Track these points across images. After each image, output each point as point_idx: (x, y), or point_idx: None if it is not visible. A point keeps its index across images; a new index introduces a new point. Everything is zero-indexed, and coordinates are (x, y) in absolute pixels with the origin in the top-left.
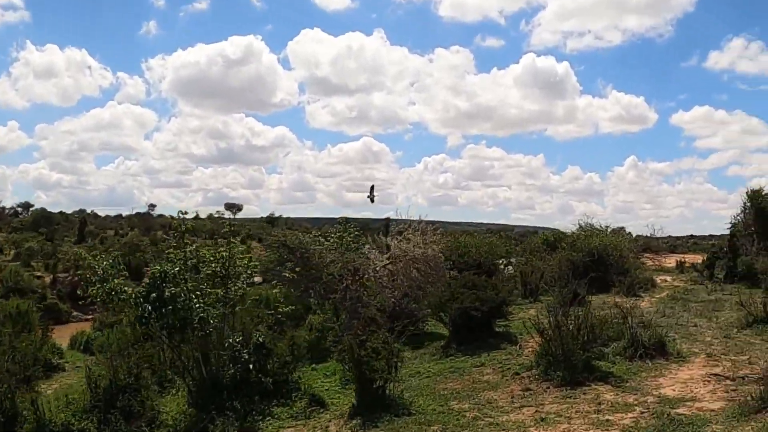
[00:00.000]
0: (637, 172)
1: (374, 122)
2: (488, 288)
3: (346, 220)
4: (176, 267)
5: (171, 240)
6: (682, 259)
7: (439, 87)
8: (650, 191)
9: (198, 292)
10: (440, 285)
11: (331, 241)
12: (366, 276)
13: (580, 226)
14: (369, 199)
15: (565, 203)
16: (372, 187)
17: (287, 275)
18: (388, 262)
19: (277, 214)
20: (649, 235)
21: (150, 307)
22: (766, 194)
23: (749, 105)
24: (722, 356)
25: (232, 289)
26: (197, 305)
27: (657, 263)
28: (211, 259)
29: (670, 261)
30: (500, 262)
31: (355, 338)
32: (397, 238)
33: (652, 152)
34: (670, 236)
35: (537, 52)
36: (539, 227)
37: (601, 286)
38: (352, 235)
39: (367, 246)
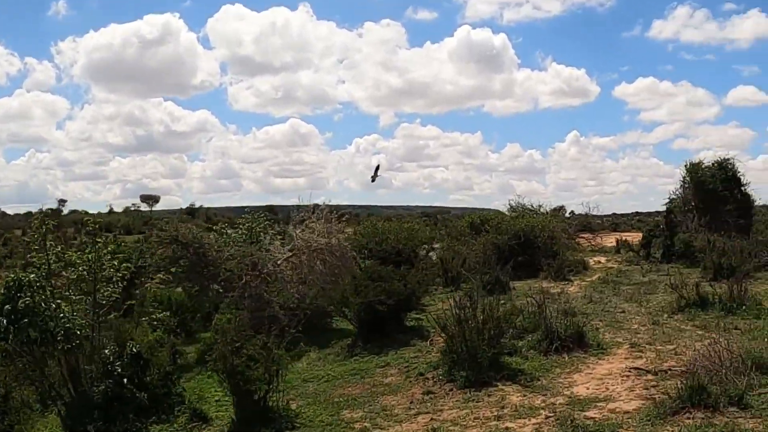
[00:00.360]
0: (580, 147)
1: (301, 102)
2: (396, 279)
3: (271, 208)
4: (31, 274)
5: (32, 242)
6: (622, 238)
7: (370, 63)
8: (593, 167)
9: (59, 300)
10: (348, 277)
11: (240, 232)
12: (265, 271)
13: (511, 207)
14: (370, 179)
15: (505, 182)
16: (377, 168)
17: (177, 272)
18: (290, 254)
19: (199, 205)
20: (585, 213)
21: (5, 321)
22: (705, 167)
23: (695, 75)
24: (647, 346)
25: (105, 294)
26: (62, 315)
27: (594, 243)
28: (78, 261)
29: (611, 240)
30: (424, 248)
31: (229, 345)
32: (299, 227)
33: (595, 127)
34: (614, 214)
35: (472, 24)
36: (479, 209)
37: (529, 271)
38: (261, 225)
39: (268, 237)
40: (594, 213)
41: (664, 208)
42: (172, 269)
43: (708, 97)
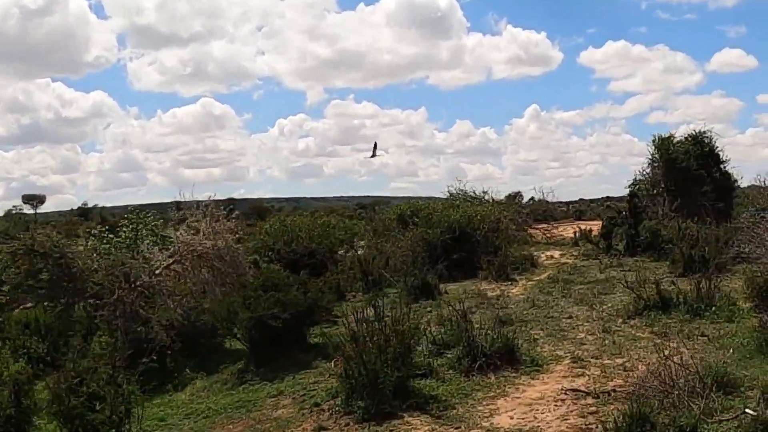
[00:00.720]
0: (540, 123)
1: (214, 79)
2: (294, 287)
3: (178, 205)
4: None
5: None
6: (586, 228)
7: (294, 31)
8: (557, 146)
9: None
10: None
11: (124, 236)
12: (139, 283)
13: (450, 195)
14: (370, 157)
15: (454, 166)
16: (375, 145)
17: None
18: (171, 260)
19: (94, 204)
20: (542, 200)
21: None
22: (678, 142)
23: (673, 38)
24: (593, 360)
25: None
26: None
27: (550, 235)
28: None
29: (572, 230)
30: (346, 247)
31: (65, 381)
32: (180, 228)
33: (558, 99)
34: (581, 199)
35: None
36: (425, 197)
37: (467, 270)
38: (149, 227)
39: (146, 242)
40: (551, 199)
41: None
42: (28, 284)
43: (688, 63)
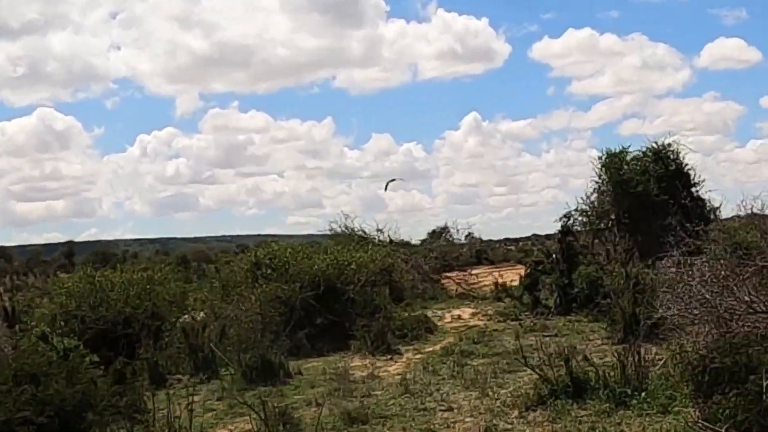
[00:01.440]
0: (482, 137)
1: (55, 82)
2: (60, 375)
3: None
4: None
5: None
6: (503, 277)
7: (159, 18)
8: (504, 167)
9: None
10: None
11: None
12: None
13: (334, 233)
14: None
15: (371, 194)
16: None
17: None
18: None
19: None
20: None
21: None
22: (633, 159)
23: (652, 25)
24: None
25: None
26: None
27: (467, 286)
28: None
29: (508, 276)
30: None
31: None
32: None
33: (505, 105)
34: (534, 235)
35: None
36: (334, 236)
37: (340, 339)
38: None
39: None
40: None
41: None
42: None
43: (673, 57)
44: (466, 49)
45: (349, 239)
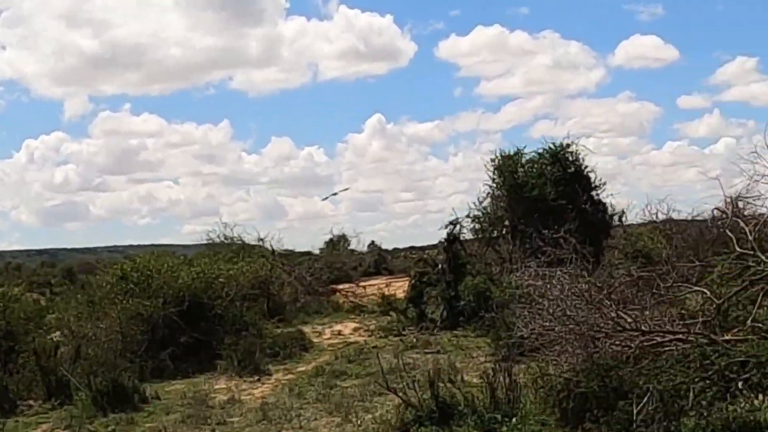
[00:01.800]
0: (387, 140)
1: None
2: None
3: None
4: None
5: None
6: (389, 289)
7: (46, 16)
8: (410, 171)
9: None
10: None
11: None
12: None
13: (211, 241)
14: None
15: (271, 201)
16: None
17: None
18: None
19: None
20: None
21: None
22: (529, 162)
23: (564, 22)
24: None
25: None
26: None
27: (355, 299)
28: None
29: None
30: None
31: None
32: None
33: (410, 107)
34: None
35: None
36: (237, 244)
37: (207, 359)
38: None
39: None
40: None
41: None
42: None
43: (586, 56)
44: (369, 48)
45: (228, 249)
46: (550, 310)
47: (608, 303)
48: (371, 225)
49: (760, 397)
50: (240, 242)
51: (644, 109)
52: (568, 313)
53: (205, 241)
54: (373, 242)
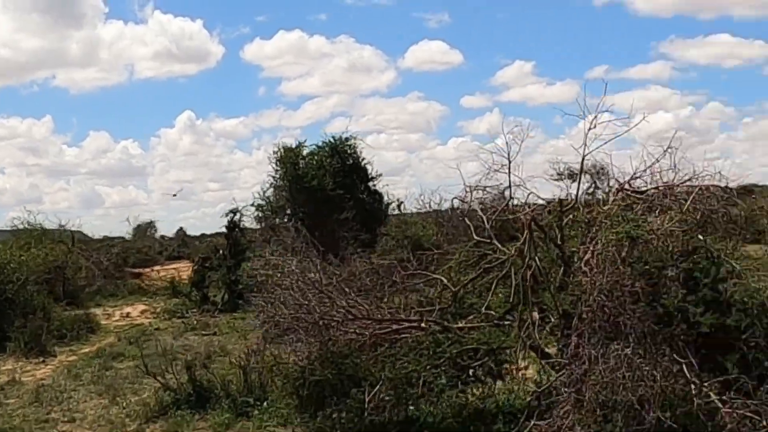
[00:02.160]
0: (196, 135)
1: None
2: None
3: None
4: None
5: None
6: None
7: None
8: (217, 163)
9: None
10: None
11: None
12: None
13: (15, 227)
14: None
15: (90, 191)
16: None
17: None
18: None
19: None
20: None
21: None
22: (310, 154)
23: (359, 28)
24: None
25: None
26: None
27: (148, 282)
28: None
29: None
30: None
31: None
32: None
33: (218, 104)
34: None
35: None
36: (57, 231)
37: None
38: None
39: None
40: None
41: None
42: None
43: (378, 59)
44: (181, 51)
45: (28, 236)
46: (282, 299)
47: (339, 292)
48: (183, 213)
49: (495, 384)
50: (40, 229)
51: (431, 108)
52: (301, 301)
53: (9, 228)
54: (181, 228)
